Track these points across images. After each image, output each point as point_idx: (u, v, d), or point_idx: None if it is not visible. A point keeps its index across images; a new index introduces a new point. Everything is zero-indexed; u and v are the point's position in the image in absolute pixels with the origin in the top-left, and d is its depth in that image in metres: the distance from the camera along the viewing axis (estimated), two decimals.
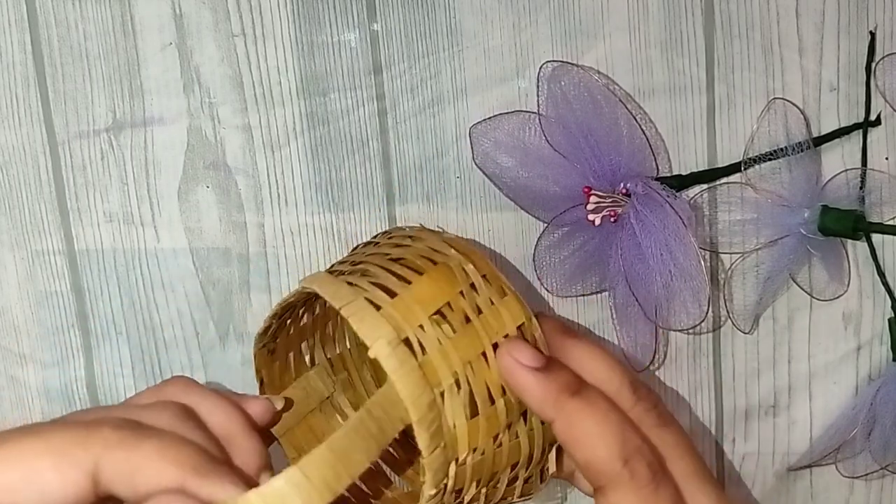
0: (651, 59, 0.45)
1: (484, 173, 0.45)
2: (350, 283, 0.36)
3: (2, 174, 0.47)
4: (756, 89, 0.45)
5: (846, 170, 0.45)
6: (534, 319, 0.36)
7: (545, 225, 0.46)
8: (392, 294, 0.35)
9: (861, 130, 0.45)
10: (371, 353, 0.33)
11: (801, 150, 0.44)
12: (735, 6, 0.45)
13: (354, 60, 0.46)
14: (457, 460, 0.35)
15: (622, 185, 0.43)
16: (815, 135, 0.45)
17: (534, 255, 0.46)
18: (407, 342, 0.34)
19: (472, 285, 0.36)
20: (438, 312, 0.35)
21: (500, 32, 0.45)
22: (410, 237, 0.39)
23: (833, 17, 0.45)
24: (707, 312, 0.42)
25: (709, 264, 0.46)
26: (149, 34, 0.45)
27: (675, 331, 0.45)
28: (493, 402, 0.35)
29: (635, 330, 0.45)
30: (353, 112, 0.46)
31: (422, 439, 0.33)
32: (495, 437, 0.35)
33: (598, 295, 0.46)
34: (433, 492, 0.34)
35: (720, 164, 0.45)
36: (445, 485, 0.35)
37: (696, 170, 0.46)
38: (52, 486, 0.30)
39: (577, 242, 0.45)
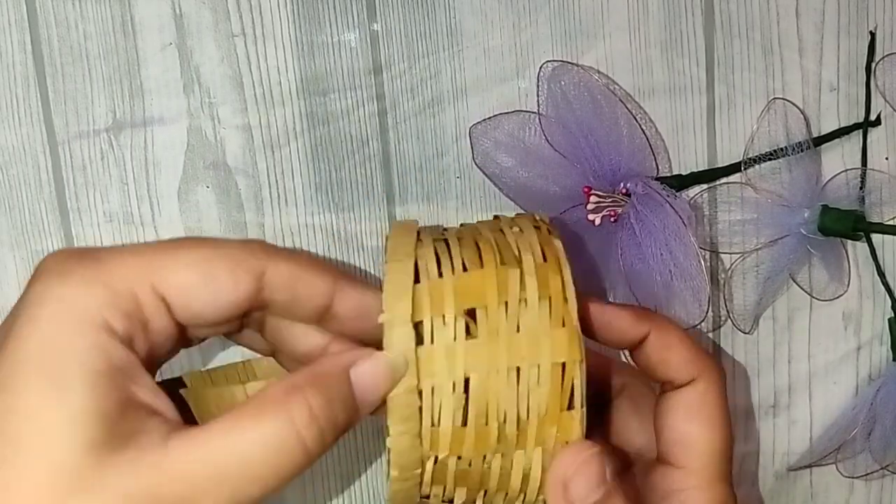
0: (651, 59, 0.45)
1: (484, 173, 0.45)
2: (420, 240, 0.35)
3: (2, 174, 0.47)
4: (756, 89, 0.45)
5: (846, 170, 0.45)
6: (580, 365, 0.34)
7: None
8: (440, 273, 0.34)
9: (861, 130, 0.45)
10: (379, 319, 0.33)
11: (801, 150, 0.44)
12: (735, 6, 0.45)
13: (354, 60, 0.46)
14: (435, 459, 0.34)
15: (622, 184, 0.43)
16: (815, 135, 0.45)
17: None
18: (417, 326, 0.33)
19: (525, 301, 0.34)
20: (472, 312, 0.34)
21: (500, 32, 0.45)
22: (521, 229, 0.37)
23: (833, 17, 0.45)
24: (707, 312, 0.42)
25: (709, 264, 0.46)
26: (149, 34, 0.45)
27: None
28: (487, 422, 0.33)
29: None
30: (353, 112, 0.46)
31: (391, 419, 0.33)
32: (484, 457, 0.34)
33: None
34: (396, 473, 0.34)
35: (720, 164, 0.45)
36: (422, 477, 0.34)
37: (696, 170, 0.46)
38: (226, 288, 0.32)
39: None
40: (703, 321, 0.42)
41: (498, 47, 0.45)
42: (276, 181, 0.47)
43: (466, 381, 0.33)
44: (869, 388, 0.47)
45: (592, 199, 0.44)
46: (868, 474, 0.47)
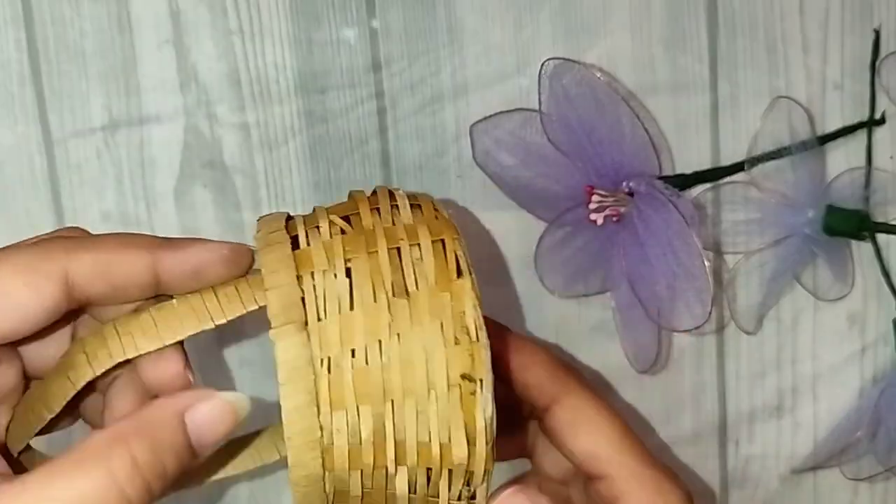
0: (654, 57, 0.45)
1: (485, 172, 0.45)
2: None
3: None
4: (760, 87, 0.45)
5: (851, 169, 0.45)
6: (460, 241, 0.33)
7: (547, 224, 0.45)
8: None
9: (865, 129, 0.45)
10: (253, 241, 0.33)
11: (805, 149, 0.44)
12: (738, 3, 0.44)
13: (353, 58, 0.45)
14: (329, 361, 0.32)
15: (625, 184, 0.43)
16: (819, 133, 0.45)
17: (535, 254, 0.46)
18: (294, 239, 0.33)
19: (397, 207, 0.34)
20: (347, 219, 0.34)
21: (500, 29, 0.45)
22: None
23: (837, 15, 0.44)
24: (710, 313, 0.42)
25: (712, 264, 0.45)
26: (145, 31, 0.45)
27: (678, 332, 0.45)
28: (375, 299, 0.32)
29: (638, 331, 0.44)
30: (351, 110, 0.46)
31: (271, 312, 0.31)
32: (380, 346, 0.32)
33: (600, 295, 0.46)
34: (284, 378, 0.31)
35: (723, 163, 0.45)
36: (318, 396, 0.32)
37: (699, 169, 0.45)
38: (28, 301, 0.31)
39: (579, 242, 0.45)
40: (706, 322, 0.42)
41: (499, 44, 0.45)
42: (274, 180, 0.46)
43: (348, 271, 0.32)
44: (873, 389, 0.47)
45: (594, 198, 0.43)
46: (872, 476, 0.47)
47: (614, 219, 0.43)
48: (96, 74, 0.45)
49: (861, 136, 0.45)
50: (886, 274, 0.46)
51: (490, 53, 0.45)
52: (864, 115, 0.45)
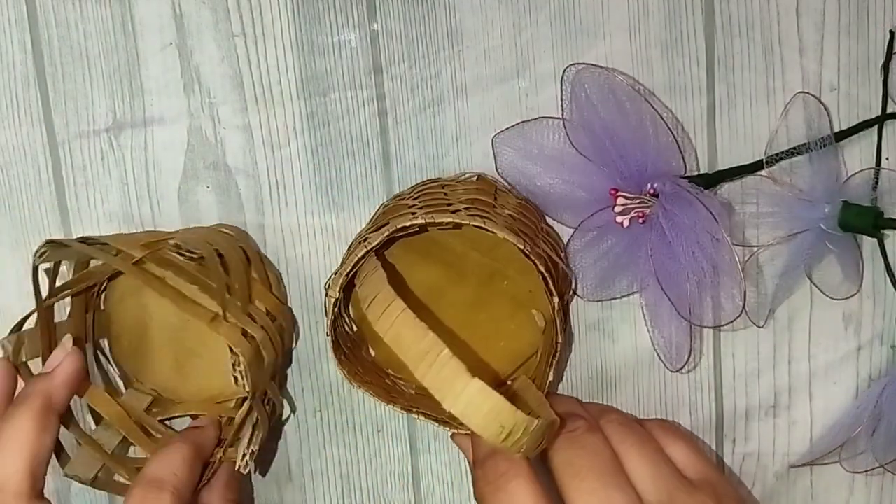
0: (651, 59, 0.45)
1: (507, 182, 0.45)
2: None
3: (2, 174, 0.47)
4: (756, 89, 0.45)
5: (868, 168, 0.44)
6: None
7: (573, 230, 0.45)
8: None
9: (877, 125, 0.45)
10: None
11: (823, 146, 0.43)
12: (735, 6, 0.45)
13: (354, 60, 0.46)
14: None
15: (649, 185, 0.43)
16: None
17: None
18: None
19: None
20: None
21: (500, 32, 0.45)
22: None
23: (833, 17, 0.45)
24: (743, 307, 0.42)
25: (742, 259, 0.45)
26: (149, 34, 0.45)
27: (708, 328, 0.45)
28: None
29: (669, 330, 0.44)
30: (353, 112, 0.46)
31: None
32: None
33: (630, 297, 0.46)
34: None
35: (720, 165, 0.45)
36: None
37: (694, 171, 0.45)
38: None
39: (605, 245, 0.45)
40: (739, 316, 0.42)
41: (498, 47, 0.45)
42: (277, 181, 0.47)
43: None
44: (875, 385, 0.47)
45: (620, 200, 0.43)
46: (870, 471, 0.47)
47: (640, 220, 0.43)
48: (100, 76, 0.46)
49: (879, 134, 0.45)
50: (891, 272, 0.45)
51: (489, 56, 0.45)
52: (859, 116, 0.45)
